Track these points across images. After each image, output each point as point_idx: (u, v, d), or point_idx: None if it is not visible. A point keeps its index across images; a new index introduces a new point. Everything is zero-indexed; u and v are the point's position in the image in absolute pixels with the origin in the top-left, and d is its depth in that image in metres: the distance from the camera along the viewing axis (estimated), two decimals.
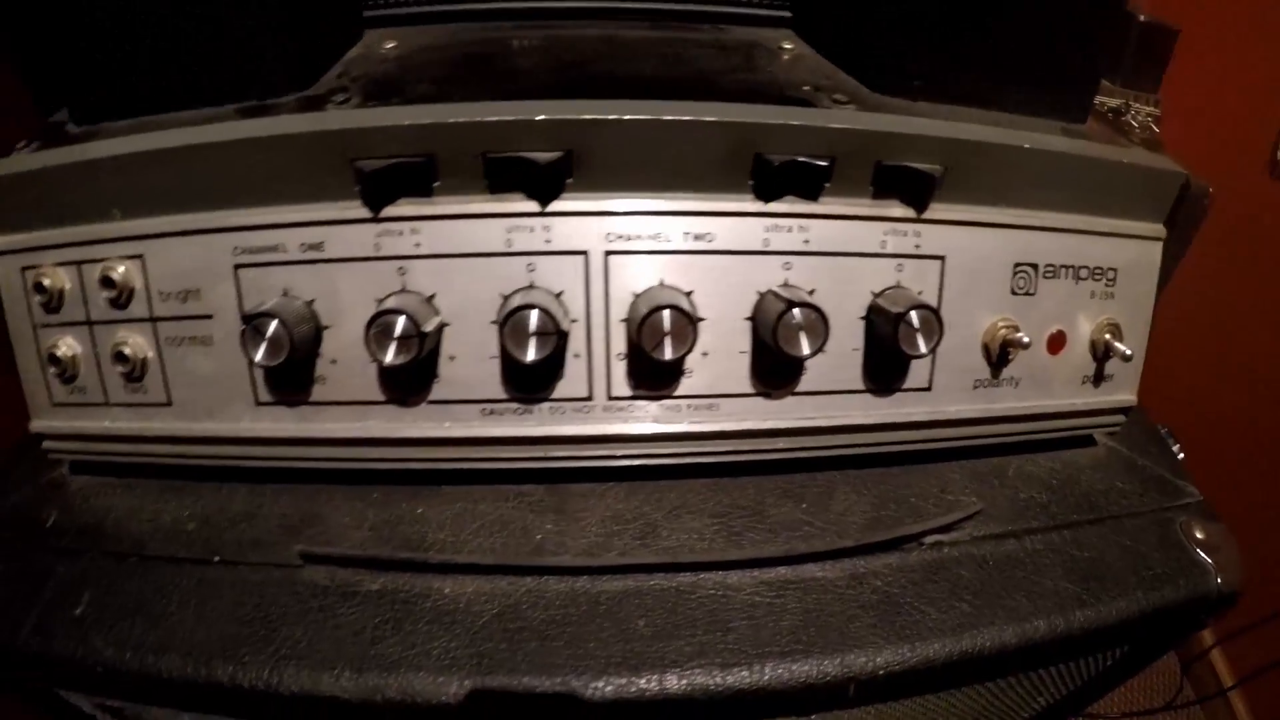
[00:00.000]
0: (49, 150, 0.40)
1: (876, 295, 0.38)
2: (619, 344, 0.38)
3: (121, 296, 0.40)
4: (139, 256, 0.40)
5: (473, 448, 0.39)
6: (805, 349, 0.36)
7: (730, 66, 0.44)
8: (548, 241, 0.37)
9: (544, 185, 0.36)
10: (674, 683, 0.33)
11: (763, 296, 0.37)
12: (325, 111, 0.38)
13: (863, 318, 0.39)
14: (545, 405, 0.38)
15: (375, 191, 0.36)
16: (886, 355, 0.39)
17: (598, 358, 0.38)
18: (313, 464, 0.41)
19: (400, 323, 0.35)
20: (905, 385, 0.40)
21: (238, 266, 0.38)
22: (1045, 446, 0.46)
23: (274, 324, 0.36)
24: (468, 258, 0.37)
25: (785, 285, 0.37)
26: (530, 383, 0.38)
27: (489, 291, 0.37)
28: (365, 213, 0.37)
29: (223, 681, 0.34)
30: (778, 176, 0.36)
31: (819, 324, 0.36)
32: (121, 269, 0.40)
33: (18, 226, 0.41)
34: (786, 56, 0.45)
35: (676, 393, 0.38)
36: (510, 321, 0.35)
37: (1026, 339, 0.40)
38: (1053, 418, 0.44)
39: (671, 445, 0.39)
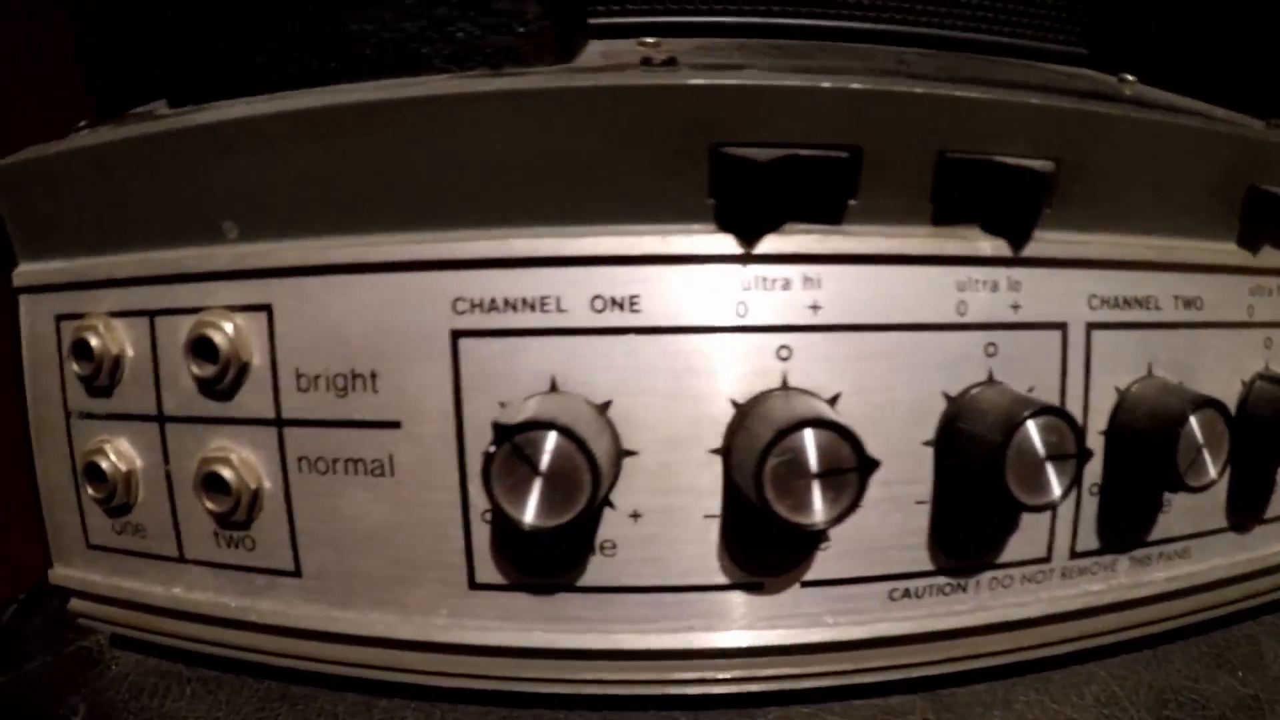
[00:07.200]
0: (125, 125, 0.20)
1: None
2: (1094, 469, 0.24)
3: (225, 377, 0.20)
4: (264, 308, 0.21)
5: (854, 654, 0.23)
6: None
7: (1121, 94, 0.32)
8: (1015, 307, 0.22)
9: (1020, 212, 0.22)
10: None
11: (1250, 386, 0.26)
12: (662, 69, 0.21)
13: None
14: (985, 575, 0.23)
15: (750, 207, 0.20)
16: None
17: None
18: (568, 688, 0.22)
19: (813, 450, 0.19)
20: None
21: (458, 333, 0.20)
22: None
23: (556, 443, 0.18)
24: (896, 331, 0.21)
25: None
26: (968, 540, 0.23)
27: (926, 384, 0.22)
28: (725, 244, 0.20)
29: None
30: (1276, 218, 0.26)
31: None
32: (229, 328, 0.21)
33: (56, 250, 0.22)
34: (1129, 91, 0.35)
35: (1150, 538, 0.25)
36: (1014, 442, 0.20)
37: None
38: None
39: (1135, 614, 0.25)
